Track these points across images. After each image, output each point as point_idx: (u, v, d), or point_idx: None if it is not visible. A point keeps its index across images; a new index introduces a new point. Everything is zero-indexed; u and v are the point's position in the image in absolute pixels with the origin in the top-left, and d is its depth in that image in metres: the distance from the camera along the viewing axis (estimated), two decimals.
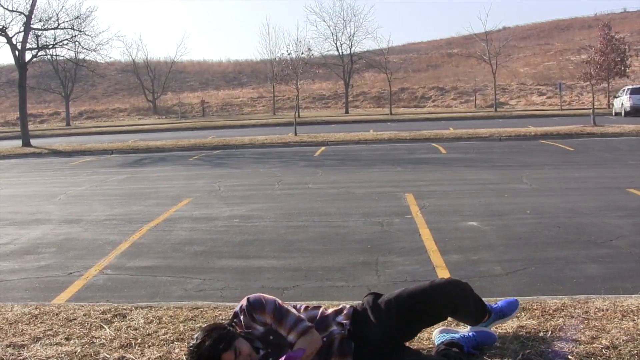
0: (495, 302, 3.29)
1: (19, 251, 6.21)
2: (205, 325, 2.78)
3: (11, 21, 45.04)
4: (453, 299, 2.86)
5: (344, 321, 2.79)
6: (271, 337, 2.65)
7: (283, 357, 2.51)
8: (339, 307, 2.92)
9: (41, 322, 3.67)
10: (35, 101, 55.45)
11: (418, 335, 3.04)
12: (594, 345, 2.96)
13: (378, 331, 2.75)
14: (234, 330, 2.60)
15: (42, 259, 5.85)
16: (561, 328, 3.20)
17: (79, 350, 3.18)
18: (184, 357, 3.04)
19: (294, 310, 2.70)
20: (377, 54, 46.79)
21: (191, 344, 2.52)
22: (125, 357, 3.08)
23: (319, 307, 2.89)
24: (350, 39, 47.82)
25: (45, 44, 27.54)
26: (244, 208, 8.14)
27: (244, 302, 2.68)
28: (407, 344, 2.90)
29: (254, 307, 2.65)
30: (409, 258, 5.24)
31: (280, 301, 2.72)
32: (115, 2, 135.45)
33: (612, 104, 33.30)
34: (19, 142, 24.84)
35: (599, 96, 38.15)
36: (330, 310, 2.87)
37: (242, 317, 2.66)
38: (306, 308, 2.85)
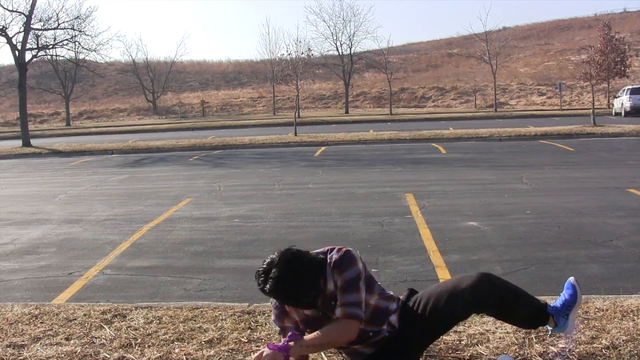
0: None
1: (19, 251, 6.21)
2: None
3: (11, 21, 45.12)
4: (483, 301, 2.59)
5: (395, 324, 2.68)
6: (333, 303, 2.53)
7: (288, 335, 2.44)
8: (397, 300, 2.75)
9: (41, 322, 3.67)
10: (35, 101, 55.44)
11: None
12: (594, 345, 2.96)
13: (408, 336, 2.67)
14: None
15: (42, 259, 5.85)
16: None
17: (79, 350, 3.18)
18: (184, 358, 3.04)
19: (363, 292, 2.52)
20: (377, 54, 46.77)
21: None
22: (125, 357, 3.08)
23: (394, 299, 2.73)
24: (350, 39, 47.82)
25: (45, 44, 27.56)
26: (244, 208, 8.14)
27: (336, 253, 2.55)
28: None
29: (342, 262, 2.52)
30: (409, 258, 5.24)
31: (364, 273, 2.56)
32: (115, 2, 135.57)
33: (612, 104, 33.30)
34: (19, 142, 24.84)
35: (599, 96, 38.14)
36: (393, 305, 2.69)
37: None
38: (383, 294, 2.69)
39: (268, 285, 2.40)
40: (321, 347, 2.57)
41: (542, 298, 3.80)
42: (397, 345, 2.64)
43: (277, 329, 2.72)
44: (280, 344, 2.40)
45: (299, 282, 2.40)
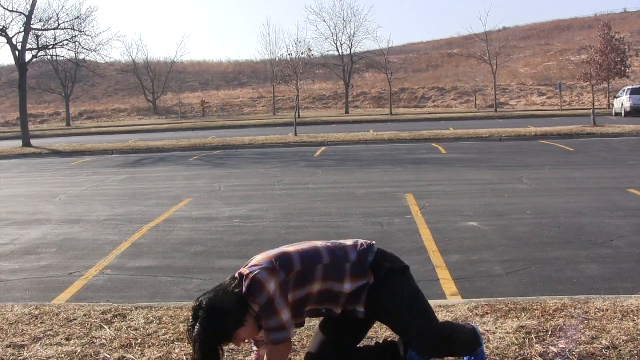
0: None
1: (19, 251, 6.21)
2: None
3: (11, 21, 45.07)
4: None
5: (359, 309, 2.58)
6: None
7: None
8: (359, 282, 2.56)
9: (41, 322, 3.67)
10: (35, 101, 55.42)
11: None
12: (594, 345, 2.96)
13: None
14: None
15: (42, 259, 5.85)
16: (561, 328, 3.20)
17: (79, 350, 3.18)
18: (184, 358, 3.04)
19: (282, 310, 2.43)
20: (377, 54, 46.77)
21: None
22: (125, 357, 3.08)
23: (339, 279, 2.54)
24: (350, 39, 47.82)
25: (45, 44, 27.54)
26: (244, 208, 8.14)
27: (244, 281, 2.45)
28: None
29: (250, 291, 2.43)
30: (409, 258, 5.23)
31: (280, 288, 2.43)
32: (115, 2, 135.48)
33: (612, 104, 33.30)
34: (19, 142, 24.83)
35: (599, 96, 38.14)
36: (347, 286, 2.54)
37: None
38: (326, 276, 2.53)
39: (197, 347, 2.40)
40: None
41: (542, 298, 3.82)
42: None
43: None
44: None
45: (223, 329, 2.42)
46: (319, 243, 2.64)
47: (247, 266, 2.51)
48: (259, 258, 2.53)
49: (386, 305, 2.56)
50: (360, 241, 2.68)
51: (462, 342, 2.72)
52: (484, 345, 3.03)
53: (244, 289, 2.44)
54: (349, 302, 2.57)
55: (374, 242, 2.71)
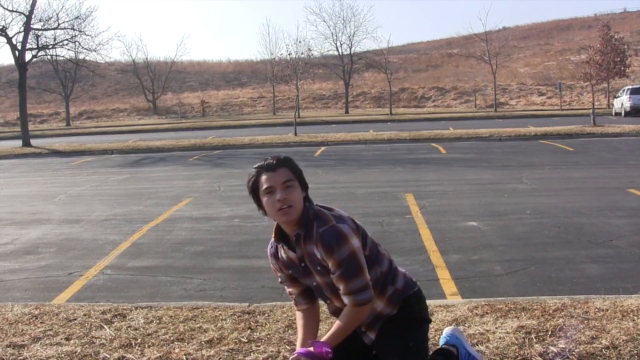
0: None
1: (19, 251, 6.21)
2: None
3: (11, 21, 45.05)
4: None
5: (370, 335, 2.53)
6: (319, 268, 2.40)
7: (312, 344, 2.35)
8: (387, 309, 2.51)
9: (41, 322, 3.67)
10: (35, 101, 55.43)
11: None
12: (594, 345, 2.96)
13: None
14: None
15: (42, 259, 5.85)
16: (561, 328, 3.20)
17: (79, 350, 3.18)
18: (184, 358, 3.04)
19: (365, 268, 2.34)
20: (377, 54, 46.78)
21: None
22: (125, 357, 3.08)
23: (379, 295, 2.48)
24: (350, 39, 47.84)
25: (45, 44, 27.55)
26: (244, 208, 8.14)
27: (323, 226, 2.33)
28: None
29: (326, 240, 2.31)
30: (409, 258, 5.24)
31: (359, 242, 2.36)
32: (115, 2, 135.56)
33: (612, 104, 33.30)
34: (19, 142, 24.84)
35: (599, 96, 38.14)
36: (379, 306, 2.48)
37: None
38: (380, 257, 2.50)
39: (279, 159, 2.40)
40: (343, 337, 2.45)
41: (542, 298, 3.82)
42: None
43: (286, 288, 2.64)
44: (305, 350, 2.39)
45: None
46: (383, 248, 2.58)
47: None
48: (337, 212, 2.46)
49: (392, 344, 2.49)
50: (408, 273, 2.64)
51: None
52: (484, 345, 3.03)
53: (320, 231, 2.34)
54: (369, 323, 2.52)
55: (417, 283, 2.65)
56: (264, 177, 2.38)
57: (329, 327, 2.74)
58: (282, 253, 2.53)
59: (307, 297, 2.60)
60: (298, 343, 2.55)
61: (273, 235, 2.55)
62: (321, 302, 2.64)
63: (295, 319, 3.51)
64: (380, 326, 2.52)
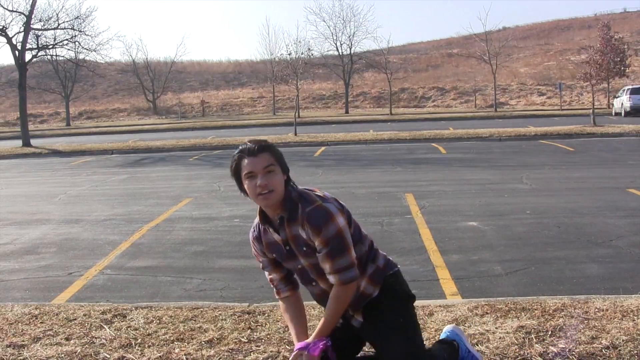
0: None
1: (19, 251, 6.21)
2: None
3: (11, 21, 45.02)
4: None
5: (358, 318, 2.54)
6: (304, 249, 2.42)
7: (304, 346, 2.36)
8: (369, 289, 2.53)
9: (41, 322, 3.67)
10: (35, 101, 55.43)
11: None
12: (594, 345, 2.96)
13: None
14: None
15: (42, 259, 5.85)
16: (561, 328, 3.20)
17: (79, 350, 3.18)
18: (184, 358, 3.04)
19: (351, 247, 2.39)
20: (377, 54, 46.78)
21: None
22: (125, 357, 3.08)
23: (361, 274, 2.50)
24: (350, 39, 47.80)
25: (45, 44, 27.55)
26: (244, 208, 8.13)
27: (310, 205, 2.38)
28: None
29: (313, 219, 2.35)
30: (409, 258, 5.23)
31: (345, 221, 2.40)
32: (115, 2, 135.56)
33: (612, 104, 33.29)
34: (19, 142, 24.83)
35: (599, 96, 38.13)
36: (362, 285, 2.50)
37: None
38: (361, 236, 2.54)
39: (260, 144, 2.42)
40: (336, 321, 2.48)
41: (542, 298, 3.82)
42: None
43: (267, 274, 2.65)
44: (303, 344, 2.41)
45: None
46: (364, 230, 2.61)
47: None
48: (321, 192, 2.50)
49: (382, 324, 2.50)
50: (388, 256, 2.66)
51: None
52: (485, 345, 3.03)
53: (306, 210, 2.37)
54: (354, 304, 2.52)
55: (398, 265, 2.67)
56: (245, 162, 2.43)
57: (319, 314, 2.75)
58: (267, 236, 2.54)
59: (289, 283, 2.62)
60: (294, 337, 2.55)
61: (258, 218, 2.57)
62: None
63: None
64: (367, 310, 2.53)
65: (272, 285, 2.66)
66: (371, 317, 2.53)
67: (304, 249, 2.44)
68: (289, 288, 2.62)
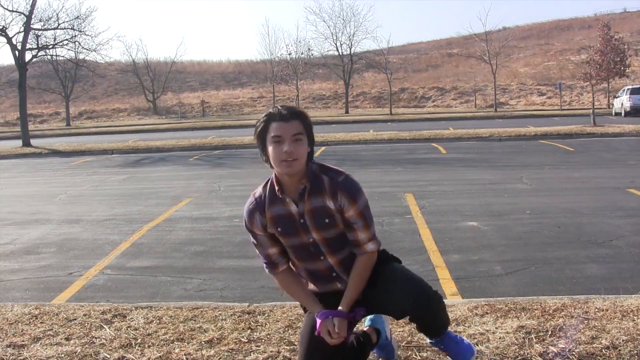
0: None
1: (19, 251, 6.21)
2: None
3: (11, 21, 45.15)
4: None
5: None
6: (326, 221, 2.43)
7: (331, 312, 2.37)
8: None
9: (41, 322, 3.67)
10: (36, 101, 55.45)
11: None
12: (594, 345, 2.96)
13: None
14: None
15: (42, 259, 5.84)
16: (561, 328, 3.20)
17: (79, 350, 3.18)
18: (184, 358, 3.04)
19: None
20: (377, 54, 46.80)
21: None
22: (125, 357, 3.08)
23: None
24: (350, 39, 47.90)
25: (45, 44, 27.55)
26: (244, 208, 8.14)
27: (337, 175, 2.45)
28: None
29: (349, 188, 2.43)
30: (409, 258, 5.23)
31: None
32: (115, 2, 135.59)
33: (612, 104, 33.30)
34: (19, 142, 24.84)
35: (599, 96, 38.14)
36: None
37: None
38: None
39: (292, 110, 2.40)
40: (361, 289, 2.49)
41: (542, 298, 3.82)
42: None
43: (263, 258, 2.62)
44: (329, 311, 2.40)
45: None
46: None
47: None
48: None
49: (380, 280, 2.53)
50: None
51: (446, 312, 2.67)
52: (484, 345, 3.03)
53: (338, 180, 2.43)
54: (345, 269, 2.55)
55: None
56: (274, 125, 2.37)
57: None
58: (275, 208, 2.48)
59: (285, 255, 2.59)
60: (310, 305, 2.50)
61: (260, 190, 2.52)
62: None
63: (294, 318, 3.51)
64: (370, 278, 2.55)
65: (268, 261, 2.59)
66: (372, 281, 2.54)
67: (326, 220, 2.43)
68: (286, 261, 2.59)
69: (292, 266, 2.63)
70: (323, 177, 2.44)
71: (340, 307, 2.44)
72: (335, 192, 2.40)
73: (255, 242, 2.59)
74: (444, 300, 2.71)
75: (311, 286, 2.63)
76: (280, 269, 2.59)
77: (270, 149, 2.38)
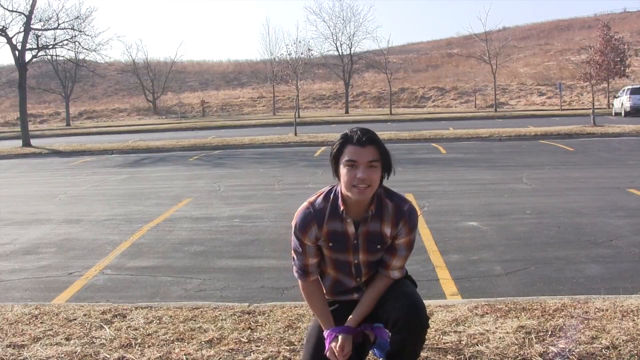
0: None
1: (19, 251, 6.21)
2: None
3: (11, 21, 45.21)
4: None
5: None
6: (378, 247, 2.43)
7: (338, 329, 2.38)
8: None
9: (41, 322, 3.67)
10: (35, 101, 55.41)
11: None
12: (594, 345, 2.96)
13: None
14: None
15: (42, 259, 5.84)
16: (561, 328, 3.20)
17: (79, 350, 3.18)
18: (184, 358, 3.04)
19: None
20: (377, 54, 46.79)
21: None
22: (125, 357, 3.08)
23: None
24: (350, 39, 47.83)
25: (45, 44, 27.53)
26: (244, 208, 8.14)
27: (404, 203, 2.42)
28: None
29: (412, 219, 2.42)
30: (409, 258, 5.22)
31: None
32: (115, 2, 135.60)
33: (612, 104, 33.29)
34: (19, 142, 24.83)
35: (599, 96, 38.12)
36: None
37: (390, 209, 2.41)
38: None
39: (370, 136, 2.37)
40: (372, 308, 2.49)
41: (542, 298, 3.82)
42: None
43: (299, 265, 2.54)
44: (337, 328, 2.41)
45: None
46: None
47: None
48: None
49: (389, 296, 2.53)
50: None
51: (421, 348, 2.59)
52: (484, 345, 3.03)
53: (405, 208, 2.43)
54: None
55: None
56: (349, 149, 2.34)
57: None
58: (334, 224, 2.42)
59: (319, 267, 2.56)
60: (326, 321, 2.47)
61: (340, 208, 2.42)
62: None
63: (294, 318, 3.51)
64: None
65: (303, 270, 2.53)
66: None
67: (378, 246, 2.43)
68: (318, 271, 2.57)
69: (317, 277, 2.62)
70: (387, 203, 2.41)
71: (348, 322, 2.43)
72: (398, 220, 2.39)
73: (299, 250, 2.49)
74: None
75: (328, 291, 2.61)
76: (311, 279, 2.56)
77: (343, 171, 2.33)
